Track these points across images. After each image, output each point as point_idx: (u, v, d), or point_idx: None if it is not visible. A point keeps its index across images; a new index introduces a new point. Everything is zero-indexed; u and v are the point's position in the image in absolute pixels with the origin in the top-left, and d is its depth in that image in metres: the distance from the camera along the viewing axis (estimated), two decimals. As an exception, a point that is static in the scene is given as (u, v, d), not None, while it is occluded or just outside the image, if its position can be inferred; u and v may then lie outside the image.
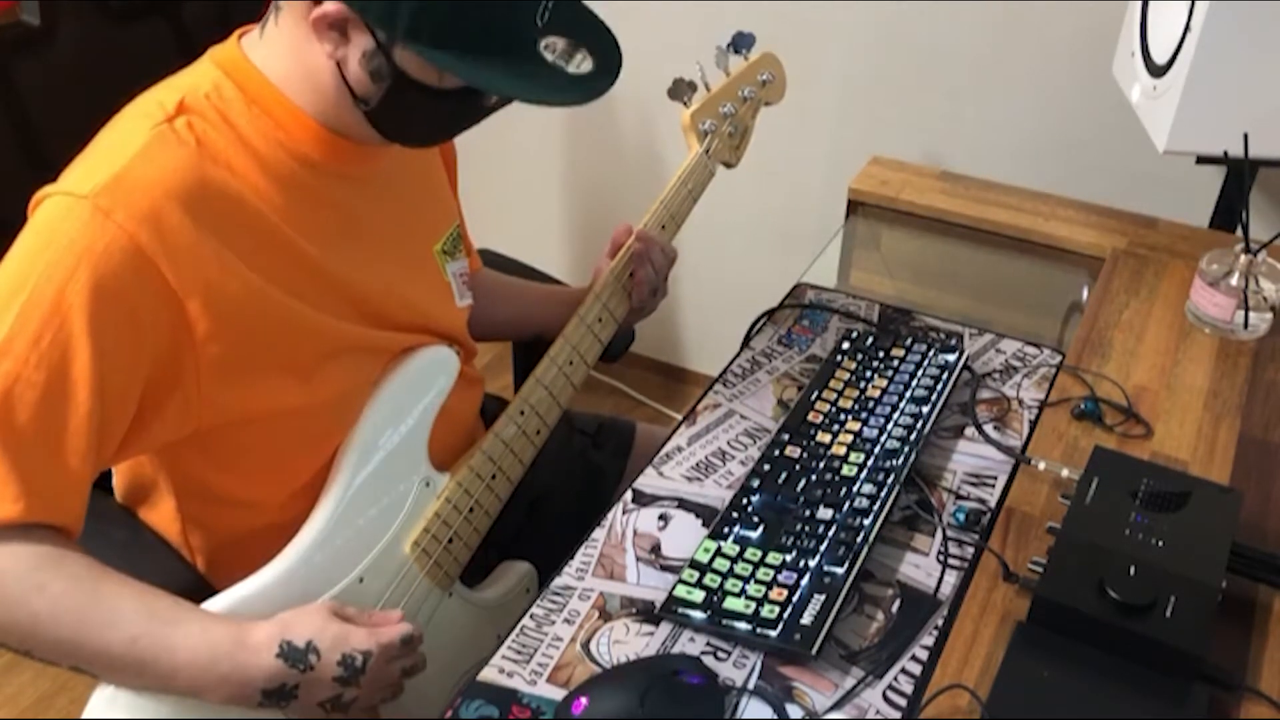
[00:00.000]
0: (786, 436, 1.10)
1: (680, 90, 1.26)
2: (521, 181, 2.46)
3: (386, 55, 0.86)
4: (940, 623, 0.92)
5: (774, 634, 0.89)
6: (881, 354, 1.22)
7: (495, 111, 0.94)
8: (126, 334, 0.84)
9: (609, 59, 0.94)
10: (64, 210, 0.83)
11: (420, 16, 0.83)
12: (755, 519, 1.00)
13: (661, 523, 1.03)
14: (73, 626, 0.83)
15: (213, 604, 0.91)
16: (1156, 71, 1.30)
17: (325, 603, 0.92)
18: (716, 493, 1.07)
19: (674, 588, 0.94)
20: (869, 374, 1.19)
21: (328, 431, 0.98)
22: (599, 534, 1.02)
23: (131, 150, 0.85)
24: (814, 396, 1.16)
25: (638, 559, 0.99)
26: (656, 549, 1.00)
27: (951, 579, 0.96)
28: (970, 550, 0.99)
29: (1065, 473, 1.05)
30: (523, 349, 1.39)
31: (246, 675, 0.86)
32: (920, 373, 1.18)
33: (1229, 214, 1.55)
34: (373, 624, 0.92)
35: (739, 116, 1.32)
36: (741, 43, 1.31)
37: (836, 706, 0.85)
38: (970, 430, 1.14)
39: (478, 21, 0.85)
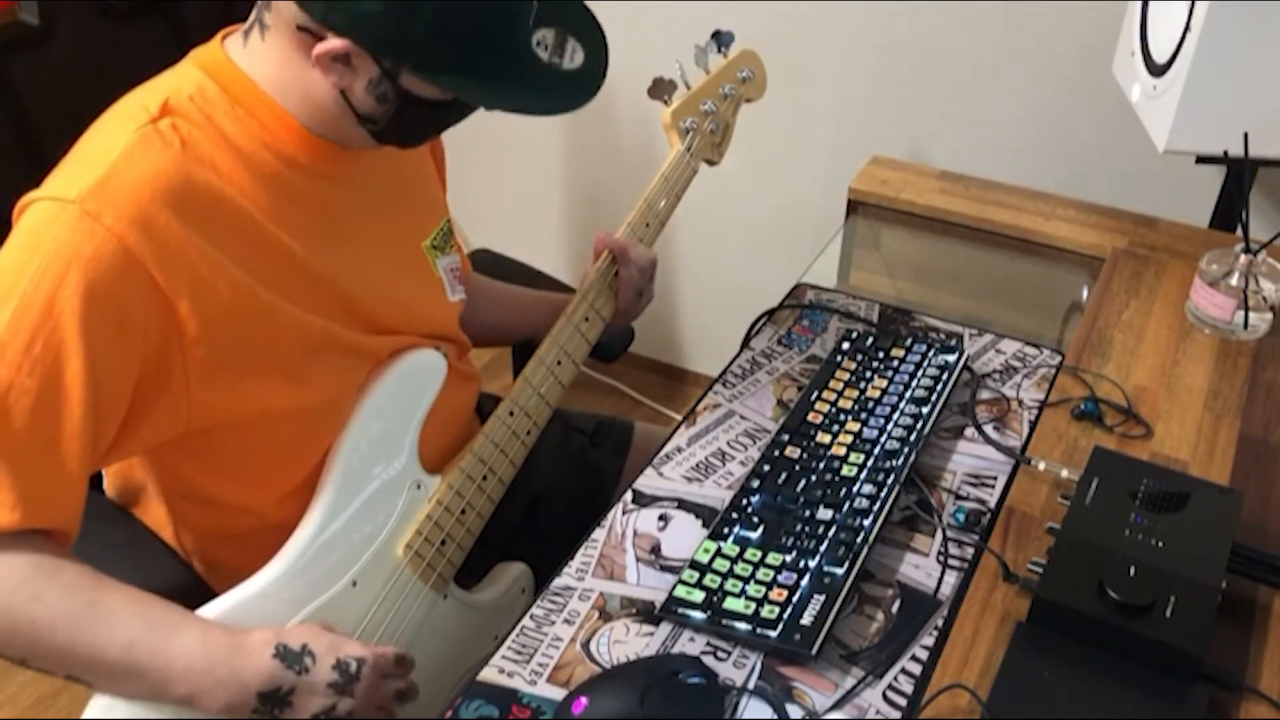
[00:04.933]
0: (786, 437, 1.10)
1: (660, 89, 1.27)
2: (520, 182, 2.46)
3: (393, 80, 0.87)
4: (940, 623, 0.92)
5: (774, 634, 0.89)
6: (881, 354, 1.22)
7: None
8: (118, 337, 0.84)
9: (594, 41, 0.94)
10: (51, 215, 0.82)
11: (425, 43, 0.84)
12: (755, 519, 1.00)
13: (661, 523, 1.03)
14: (69, 634, 0.83)
15: (205, 610, 0.90)
16: (1156, 71, 1.30)
17: (318, 621, 0.93)
18: (716, 493, 1.07)
19: (674, 588, 0.94)
20: (869, 374, 1.19)
21: (316, 435, 0.98)
22: (599, 534, 1.02)
23: (116, 153, 0.84)
24: (814, 397, 1.16)
25: (638, 559, 0.99)
26: (656, 549, 1.00)
27: (951, 579, 0.96)
28: (970, 550, 0.99)
29: (1065, 473, 1.05)
30: (522, 348, 1.39)
31: (243, 678, 0.85)
32: (920, 373, 1.18)
33: (1229, 214, 1.55)
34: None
35: (720, 114, 1.33)
36: (721, 40, 1.32)
37: (836, 706, 0.85)
38: (970, 431, 1.14)
39: (480, 40, 0.86)
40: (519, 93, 0.89)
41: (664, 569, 0.98)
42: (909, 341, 1.23)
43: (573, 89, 0.92)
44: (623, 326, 1.31)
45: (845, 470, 1.05)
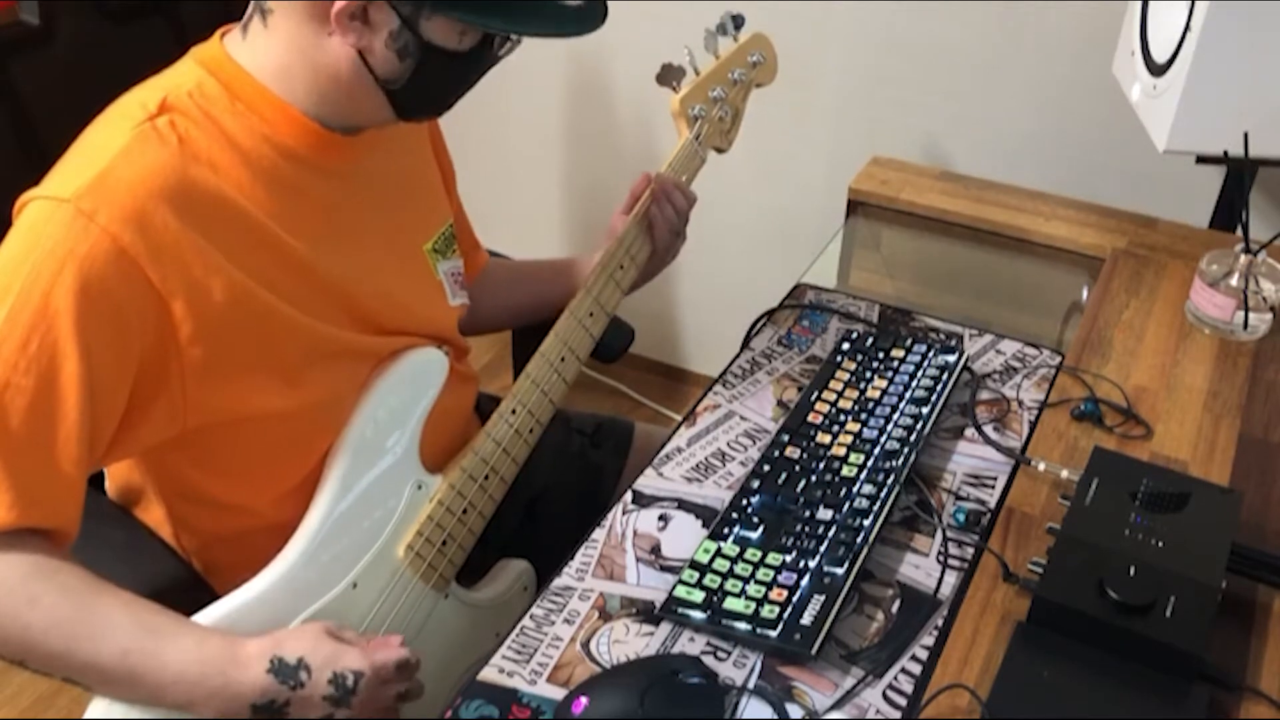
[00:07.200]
0: (786, 437, 1.10)
1: (669, 75, 1.24)
2: (521, 182, 2.46)
3: (413, 30, 0.87)
4: (940, 623, 0.92)
5: (774, 634, 0.89)
6: (881, 355, 1.22)
7: (496, 65, 0.95)
8: (113, 336, 0.83)
9: None
10: (47, 214, 0.82)
11: None
12: (755, 519, 1.00)
13: (661, 523, 1.03)
14: (64, 639, 0.83)
15: (206, 614, 0.90)
16: (1156, 71, 1.30)
17: (322, 623, 0.91)
18: (716, 493, 1.07)
19: (674, 588, 0.94)
20: (869, 375, 1.19)
21: (315, 435, 0.97)
22: (599, 534, 1.02)
23: (113, 151, 0.84)
24: (814, 397, 1.16)
25: (638, 559, 0.99)
26: (656, 549, 1.00)
27: (951, 579, 0.96)
28: (970, 550, 0.99)
29: (1065, 473, 1.05)
30: (522, 348, 1.39)
31: (237, 690, 0.85)
32: (920, 373, 1.18)
33: (1229, 214, 1.55)
34: (370, 647, 0.91)
35: (730, 100, 1.30)
36: (731, 24, 1.29)
37: (836, 706, 0.85)
38: (970, 431, 1.13)
39: None
40: (539, 18, 0.90)
41: (664, 569, 0.98)
42: (909, 342, 1.23)
43: (589, 13, 0.93)
44: (623, 326, 1.31)
45: (845, 470, 1.05)
